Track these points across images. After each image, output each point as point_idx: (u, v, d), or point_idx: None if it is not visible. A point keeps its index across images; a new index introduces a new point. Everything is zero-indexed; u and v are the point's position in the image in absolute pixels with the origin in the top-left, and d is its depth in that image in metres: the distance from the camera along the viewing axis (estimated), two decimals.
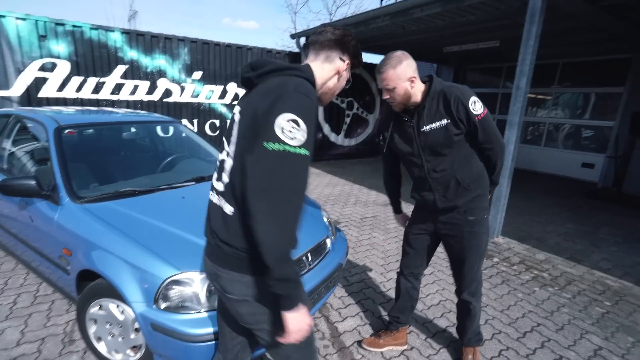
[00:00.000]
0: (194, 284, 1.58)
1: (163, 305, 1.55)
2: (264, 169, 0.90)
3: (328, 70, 1.15)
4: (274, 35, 45.45)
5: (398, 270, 2.11)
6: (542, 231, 4.36)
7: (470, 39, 6.71)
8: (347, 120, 8.87)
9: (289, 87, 0.97)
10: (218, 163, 1.15)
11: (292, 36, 7.56)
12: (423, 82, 1.68)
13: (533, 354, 2.18)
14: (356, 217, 4.60)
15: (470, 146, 1.69)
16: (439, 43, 7.45)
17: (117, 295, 1.65)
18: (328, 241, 2.29)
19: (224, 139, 1.13)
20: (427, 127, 1.66)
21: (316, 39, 1.15)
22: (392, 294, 2.77)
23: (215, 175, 1.16)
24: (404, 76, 1.58)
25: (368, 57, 9.48)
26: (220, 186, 1.11)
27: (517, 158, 7.66)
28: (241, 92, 6.95)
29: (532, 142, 8.65)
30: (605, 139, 7.29)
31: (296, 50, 7.53)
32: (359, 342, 2.19)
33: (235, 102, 6.95)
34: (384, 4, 5.56)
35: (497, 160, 1.72)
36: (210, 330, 1.51)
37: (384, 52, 9.23)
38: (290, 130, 0.90)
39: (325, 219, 2.51)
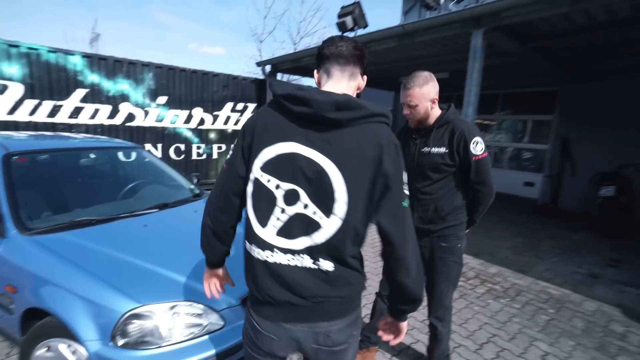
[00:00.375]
0: (155, 316, 1.48)
1: (121, 342, 1.43)
2: (408, 225, 1.00)
3: (353, 89, 1.06)
4: (240, 61, 45.74)
5: (377, 290, 2.12)
6: (493, 246, 4.59)
7: (423, 70, 7.16)
8: None
9: (392, 140, 0.98)
10: (286, 218, 0.98)
11: (258, 64, 7.64)
12: (440, 108, 1.76)
13: None
14: None
15: (460, 182, 1.74)
16: (396, 73, 7.87)
17: (68, 334, 1.50)
18: None
19: (298, 189, 0.96)
20: (427, 149, 1.73)
21: (340, 52, 1.01)
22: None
23: (281, 232, 0.99)
24: (428, 96, 1.67)
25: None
26: (301, 245, 0.98)
27: None
28: (207, 117, 6.85)
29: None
30: (542, 160, 7.95)
31: (262, 77, 7.60)
32: None
33: (201, 127, 6.81)
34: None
35: (482, 204, 1.78)
36: None
37: None
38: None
39: None
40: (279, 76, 7.71)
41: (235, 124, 7.33)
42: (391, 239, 0.98)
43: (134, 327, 1.45)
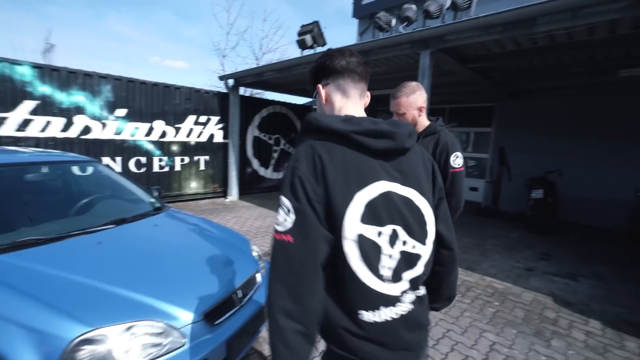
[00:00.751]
0: (109, 340, 1.34)
1: None
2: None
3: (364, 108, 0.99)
4: (203, 75, 44.51)
5: None
6: None
7: (380, 85, 7.42)
8: (275, 155, 8.90)
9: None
10: (394, 264, 0.85)
11: (221, 78, 7.48)
12: (429, 119, 1.79)
13: (445, 357, 2.31)
14: None
15: None
16: None
17: None
18: (258, 275, 2.17)
19: (397, 228, 0.85)
20: None
21: (353, 67, 0.92)
22: None
23: (394, 279, 0.86)
24: (415, 104, 1.69)
25: (292, 99, 9.78)
26: (407, 282, 0.88)
27: None
28: (169, 129, 6.55)
29: None
30: (484, 167, 8.50)
31: (224, 90, 7.43)
32: None
33: (163, 139, 6.49)
34: (304, 54, 5.84)
35: (451, 214, 1.82)
36: None
37: (305, 95, 9.65)
38: None
39: (254, 253, 2.40)
40: (241, 90, 7.57)
41: (199, 136, 7.08)
42: (450, 244, 1.01)
43: (85, 353, 1.30)
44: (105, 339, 1.34)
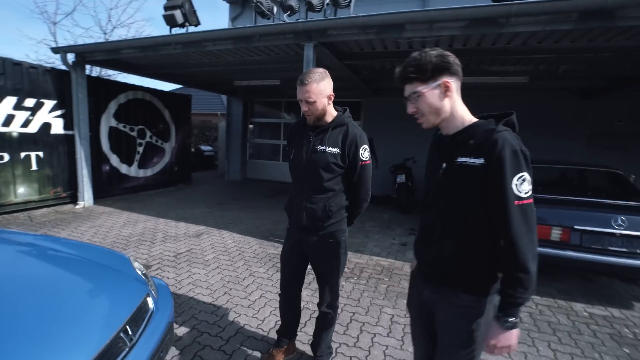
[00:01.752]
0: None
1: None
2: None
3: None
4: (21, 45, 33.62)
5: (279, 292, 2.01)
6: None
7: (257, 76, 7.15)
8: (140, 149, 7.54)
9: None
10: None
11: (55, 50, 5.73)
12: (335, 109, 1.70)
13: (357, 340, 2.39)
14: (169, 256, 3.86)
15: (344, 184, 1.74)
16: (230, 77, 7.55)
17: None
18: (150, 300, 1.71)
19: None
20: (322, 148, 1.64)
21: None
22: (230, 331, 2.42)
23: None
24: (325, 92, 1.59)
25: (157, 84, 8.46)
26: None
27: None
28: None
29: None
30: None
31: (62, 67, 5.76)
32: None
33: None
34: (173, 32, 5.03)
35: (360, 206, 1.82)
36: None
37: (174, 81, 8.50)
38: None
39: (138, 272, 1.89)
40: (87, 69, 6.03)
41: (25, 125, 5.27)
42: None
43: None
44: None
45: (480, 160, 1.04)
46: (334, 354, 2.18)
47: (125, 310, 1.50)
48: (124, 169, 7.17)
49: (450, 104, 1.13)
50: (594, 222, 3.05)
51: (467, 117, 1.15)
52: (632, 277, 3.47)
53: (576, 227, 3.07)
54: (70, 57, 5.66)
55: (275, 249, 4.22)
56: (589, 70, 5.13)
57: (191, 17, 5.07)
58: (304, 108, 1.63)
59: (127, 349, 1.37)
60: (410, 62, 1.13)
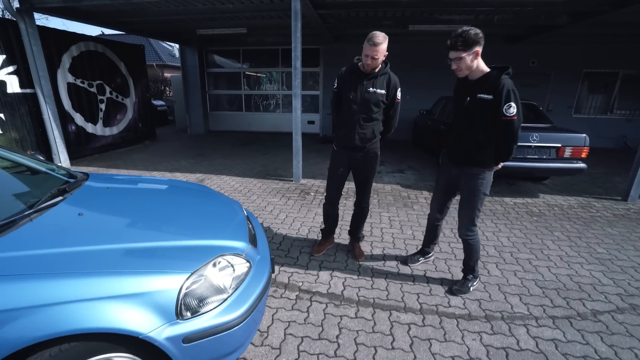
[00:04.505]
0: (207, 278, 1.40)
1: (188, 314, 1.31)
2: None
3: None
4: None
5: (324, 202, 2.75)
6: (317, 169, 5.81)
7: (223, 24, 7.01)
8: (102, 106, 7.16)
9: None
10: None
11: None
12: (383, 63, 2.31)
13: (372, 229, 3.30)
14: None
15: (383, 115, 2.42)
16: (192, 25, 7.25)
17: (120, 344, 1.19)
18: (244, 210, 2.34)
19: None
20: (373, 90, 2.28)
21: None
22: (277, 240, 3.14)
23: None
24: (384, 51, 2.19)
25: (114, 36, 7.75)
26: None
27: (267, 124, 9.23)
28: None
29: (271, 110, 10.42)
30: (317, 103, 9.93)
31: (8, 16, 5.12)
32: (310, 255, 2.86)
33: None
34: None
35: (391, 129, 2.53)
36: (244, 307, 1.44)
37: (125, 29, 7.80)
38: None
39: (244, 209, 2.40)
40: (37, 17, 5.42)
41: None
42: None
43: (195, 293, 1.34)
44: (204, 278, 1.40)
45: (490, 96, 1.87)
46: (363, 238, 3.05)
47: (239, 212, 2.13)
48: (89, 127, 6.85)
49: (477, 62, 1.91)
50: (520, 139, 4.24)
51: (485, 68, 1.94)
52: (540, 177, 4.91)
53: None
54: (15, 2, 5.04)
55: (277, 184, 4.88)
56: (516, 19, 6.17)
57: None
58: (367, 61, 2.22)
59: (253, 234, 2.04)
60: (458, 37, 1.84)
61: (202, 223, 1.80)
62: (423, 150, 7.60)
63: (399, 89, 2.39)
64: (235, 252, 1.62)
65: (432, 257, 2.80)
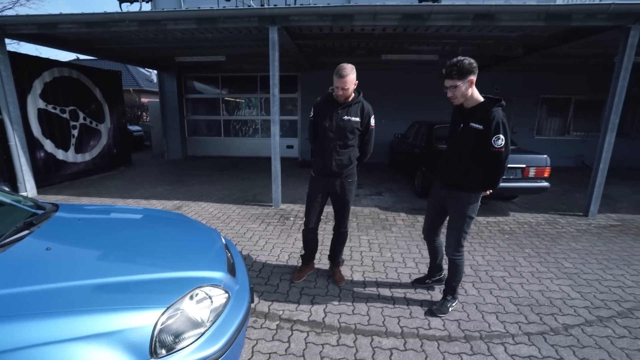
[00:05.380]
0: (184, 311, 1.36)
1: (164, 351, 1.25)
2: None
3: None
4: None
5: (303, 227, 2.74)
6: (296, 194, 5.82)
7: (202, 52, 7.11)
8: (75, 132, 6.93)
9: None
10: None
11: None
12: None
13: (351, 254, 3.31)
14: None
15: (358, 142, 2.52)
16: (171, 53, 7.30)
17: None
18: (222, 239, 2.30)
19: None
20: (347, 117, 2.38)
21: None
22: (256, 267, 3.08)
23: None
24: (354, 81, 2.29)
25: (90, 61, 7.66)
26: None
27: (246, 149, 9.25)
28: None
29: (250, 134, 10.46)
30: (296, 128, 10.08)
31: None
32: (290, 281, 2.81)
33: None
34: (124, 9, 4.82)
35: (366, 155, 2.61)
36: (222, 341, 1.40)
37: (103, 56, 7.73)
38: None
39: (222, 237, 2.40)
40: (7, 43, 5.29)
41: None
42: None
43: (171, 329, 1.29)
44: (181, 312, 1.35)
45: (481, 127, 1.98)
46: (342, 263, 3.05)
47: (217, 240, 2.10)
48: (60, 154, 6.58)
49: (471, 91, 2.03)
50: None
51: (479, 98, 2.06)
52: (509, 196, 5.15)
53: None
54: None
55: (256, 210, 4.83)
56: (479, 51, 6.66)
57: None
58: (338, 92, 2.32)
59: (231, 263, 2.01)
60: (453, 67, 1.95)
61: (179, 254, 1.76)
62: (400, 172, 7.81)
63: (373, 116, 2.50)
64: (213, 283, 1.58)
65: (443, 275, 2.74)
